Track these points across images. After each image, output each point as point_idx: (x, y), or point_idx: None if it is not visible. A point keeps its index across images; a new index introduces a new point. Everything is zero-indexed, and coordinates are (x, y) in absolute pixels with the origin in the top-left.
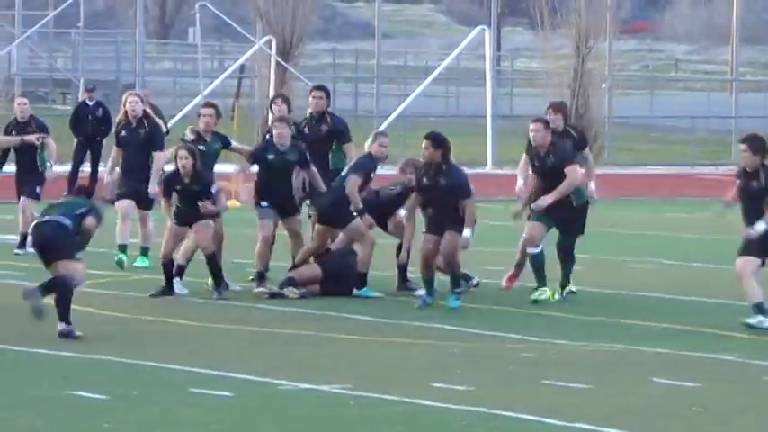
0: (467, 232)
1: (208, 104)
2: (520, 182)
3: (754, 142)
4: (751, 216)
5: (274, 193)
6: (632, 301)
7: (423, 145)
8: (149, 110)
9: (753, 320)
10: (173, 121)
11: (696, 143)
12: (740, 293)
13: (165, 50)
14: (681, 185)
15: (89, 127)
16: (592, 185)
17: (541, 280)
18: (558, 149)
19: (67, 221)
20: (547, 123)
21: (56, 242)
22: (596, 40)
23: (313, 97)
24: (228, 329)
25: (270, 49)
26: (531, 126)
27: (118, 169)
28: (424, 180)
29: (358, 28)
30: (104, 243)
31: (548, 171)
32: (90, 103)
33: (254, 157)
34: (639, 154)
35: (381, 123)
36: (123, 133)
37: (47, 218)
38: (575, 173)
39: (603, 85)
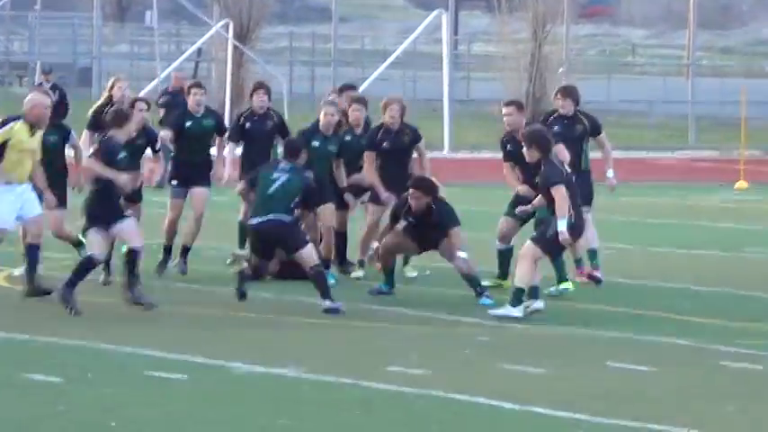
0: (463, 254)
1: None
2: (518, 188)
3: None
4: None
5: (189, 161)
6: (588, 285)
7: (414, 195)
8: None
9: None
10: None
11: (653, 128)
12: (698, 278)
13: (121, 33)
14: (637, 170)
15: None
16: (610, 173)
17: (503, 270)
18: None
19: None
20: (520, 106)
21: None
22: (553, 24)
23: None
24: (183, 313)
25: (227, 32)
26: (504, 110)
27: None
28: (410, 219)
29: (315, 11)
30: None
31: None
32: (46, 86)
33: (171, 126)
34: None
35: None
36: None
37: None
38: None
39: (561, 70)
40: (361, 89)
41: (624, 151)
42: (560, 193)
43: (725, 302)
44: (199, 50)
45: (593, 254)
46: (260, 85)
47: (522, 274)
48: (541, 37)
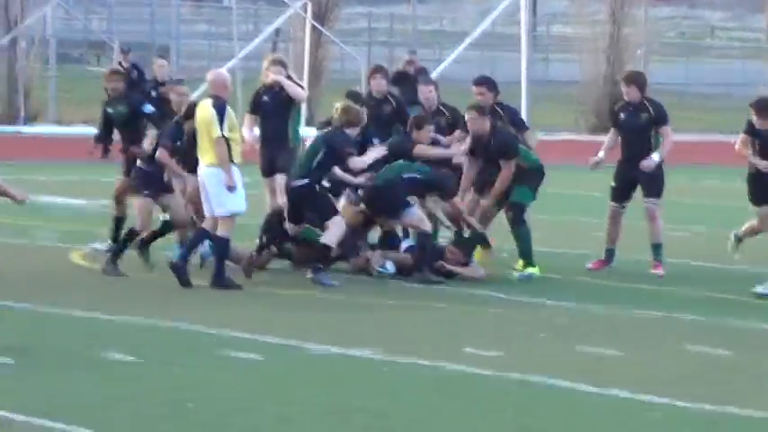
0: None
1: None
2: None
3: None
4: None
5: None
6: (667, 268)
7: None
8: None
9: (761, 288)
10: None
11: (731, 110)
12: None
13: (199, 13)
14: (717, 153)
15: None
16: (655, 155)
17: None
18: (498, 138)
19: None
20: (481, 110)
21: None
22: (631, 6)
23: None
24: (258, 293)
25: (305, 12)
26: (467, 115)
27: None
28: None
29: None
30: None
31: (490, 158)
32: (125, 65)
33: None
34: (675, 121)
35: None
36: (265, 99)
37: None
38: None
39: (639, 52)
40: (439, 70)
41: (702, 134)
42: None
43: None
44: (277, 30)
45: (656, 249)
46: (378, 69)
47: None
48: (620, 19)
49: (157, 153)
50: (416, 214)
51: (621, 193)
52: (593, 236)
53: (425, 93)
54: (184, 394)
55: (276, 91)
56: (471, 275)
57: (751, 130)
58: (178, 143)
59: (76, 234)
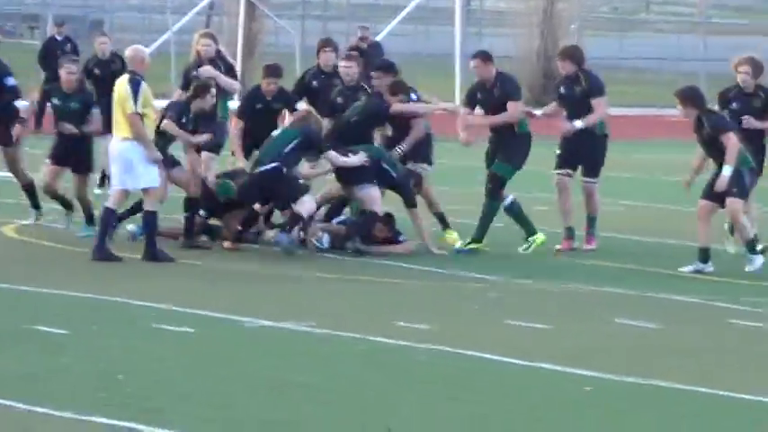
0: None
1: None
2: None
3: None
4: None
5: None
6: (599, 242)
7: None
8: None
9: (687, 268)
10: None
11: (664, 85)
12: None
13: None
14: (649, 127)
15: (58, 62)
16: (578, 122)
17: (527, 227)
18: (503, 81)
19: None
20: (486, 57)
21: None
22: None
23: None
24: (192, 267)
25: None
26: (471, 63)
27: None
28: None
29: None
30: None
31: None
32: (59, 38)
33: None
34: (609, 95)
35: None
36: (195, 74)
37: None
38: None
39: (573, 27)
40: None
41: (636, 108)
42: (732, 141)
43: (734, 260)
44: (211, 4)
45: (591, 221)
46: (328, 42)
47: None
48: None
49: (163, 123)
50: (374, 195)
51: (565, 161)
52: (526, 209)
53: (342, 68)
54: (117, 366)
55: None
56: (403, 251)
57: (720, 105)
58: (183, 120)
59: (6, 208)
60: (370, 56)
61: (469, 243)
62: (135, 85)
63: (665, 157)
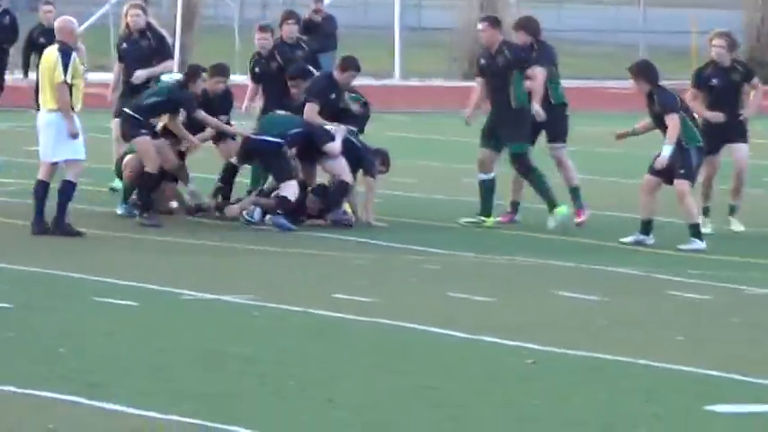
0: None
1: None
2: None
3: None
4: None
5: None
6: (539, 214)
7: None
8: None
9: (628, 239)
10: (81, 27)
11: (603, 57)
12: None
13: None
14: (588, 99)
15: None
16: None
17: (485, 206)
18: (511, 48)
19: None
20: (493, 21)
21: None
22: None
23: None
24: (133, 239)
25: None
26: (479, 25)
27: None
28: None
29: None
30: (16, 151)
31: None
32: None
33: None
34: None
35: None
36: (124, 46)
37: None
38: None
39: None
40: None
41: (574, 80)
42: (674, 122)
43: (673, 232)
44: None
45: (574, 192)
46: (291, 15)
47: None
48: None
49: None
50: (343, 164)
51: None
52: (465, 182)
53: (258, 39)
54: (58, 340)
55: (135, 38)
56: (338, 220)
57: (697, 83)
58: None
59: None
60: (324, 28)
61: (552, 210)
62: (65, 56)
63: (604, 129)
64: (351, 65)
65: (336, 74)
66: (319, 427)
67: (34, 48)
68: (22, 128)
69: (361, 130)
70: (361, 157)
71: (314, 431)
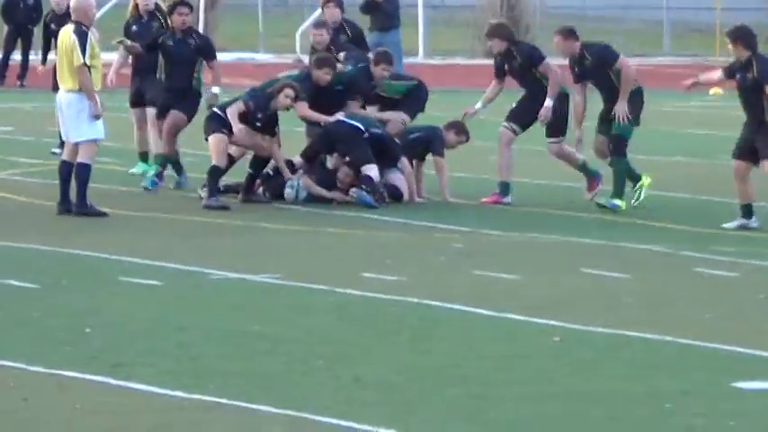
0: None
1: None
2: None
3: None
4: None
5: None
6: (562, 192)
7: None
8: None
9: (732, 224)
10: (104, 9)
11: (627, 34)
12: (672, 185)
13: None
14: None
15: (20, 14)
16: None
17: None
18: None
19: None
20: (567, 33)
21: None
22: None
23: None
24: (159, 219)
25: None
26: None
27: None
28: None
29: None
30: (41, 132)
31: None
32: None
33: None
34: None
35: (311, 14)
36: (135, 28)
37: None
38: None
39: None
40: None
41: None
42: None
43: (699, 209)
44: None
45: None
46: None
47: None
48: None
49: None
50: (404, 181)
51: (517, 116)
52: (490, 161)
53: (313, 35)
54: (83, 319)
55: (145, 21)
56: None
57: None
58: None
59: None
60: (385, 8)
61: (614, 197)
62: (82, 37)
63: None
64: (382, 59)
65: (371, 67)
66: (346, 406)
67: (48, 34)
68: (48, 107)
69: (421, 109)
70: (384, 145)
71: (340, 410)
